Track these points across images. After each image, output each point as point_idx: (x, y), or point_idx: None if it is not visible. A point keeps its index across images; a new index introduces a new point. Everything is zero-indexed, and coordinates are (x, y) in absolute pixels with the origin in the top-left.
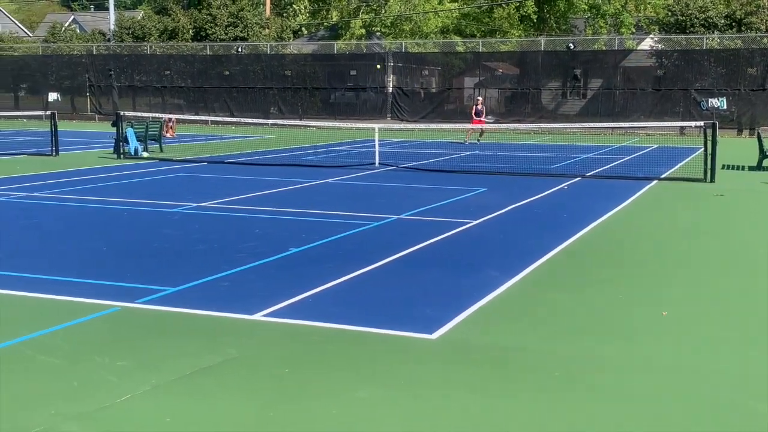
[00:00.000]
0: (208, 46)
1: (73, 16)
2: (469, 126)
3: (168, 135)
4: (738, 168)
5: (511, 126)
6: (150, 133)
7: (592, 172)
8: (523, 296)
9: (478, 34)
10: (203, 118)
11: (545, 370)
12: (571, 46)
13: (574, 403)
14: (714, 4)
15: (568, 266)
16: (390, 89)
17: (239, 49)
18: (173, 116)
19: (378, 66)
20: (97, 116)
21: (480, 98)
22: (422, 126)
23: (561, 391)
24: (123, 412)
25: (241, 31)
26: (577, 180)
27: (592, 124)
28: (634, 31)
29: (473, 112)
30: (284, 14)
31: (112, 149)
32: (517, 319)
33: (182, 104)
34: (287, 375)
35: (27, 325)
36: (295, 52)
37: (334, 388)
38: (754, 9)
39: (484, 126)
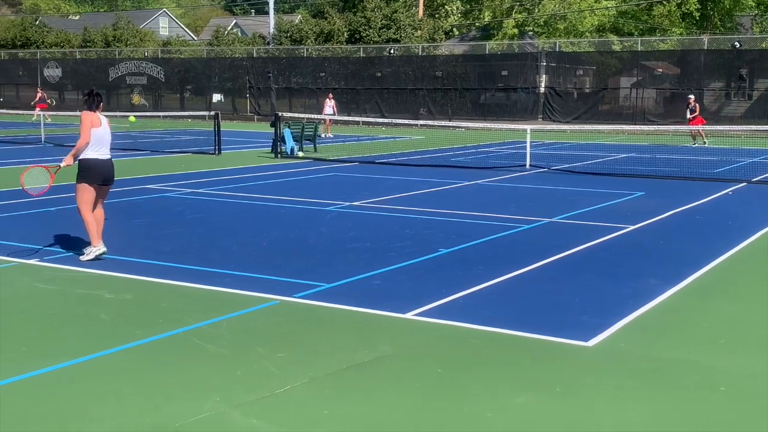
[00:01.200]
0: (361, 48)
1: (235, 21)
2: (688, 128)
3: (328, 134)
4: None
5: (671, 128)
6: (305, 133)
7: (759, 178)
8: (685, 306)
9: (635, 33)
10: (355, 118)
11: (709, 384)
12: (737, 44)
13: (740, 420)
14: None
15: (735, 276)
16: (542, 89)
17: (391, 51)
18: (331, 102)
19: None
20: (255, 117)
21: (692, 97)
22: (575, 127)
23: (727, 407)
24: (283, 402)
25: (394, 33)
26: (742, 185)
27: (758, 127)
28: None
29: (687, 112)
30: (436, 15)
31: (269, 149)
32: (679, 330)
33: (335, 105)
34: (441, 375)
35: (193, 314)
36: (447, 53)
37: (489, 391)
38: None
39: (701, 127)
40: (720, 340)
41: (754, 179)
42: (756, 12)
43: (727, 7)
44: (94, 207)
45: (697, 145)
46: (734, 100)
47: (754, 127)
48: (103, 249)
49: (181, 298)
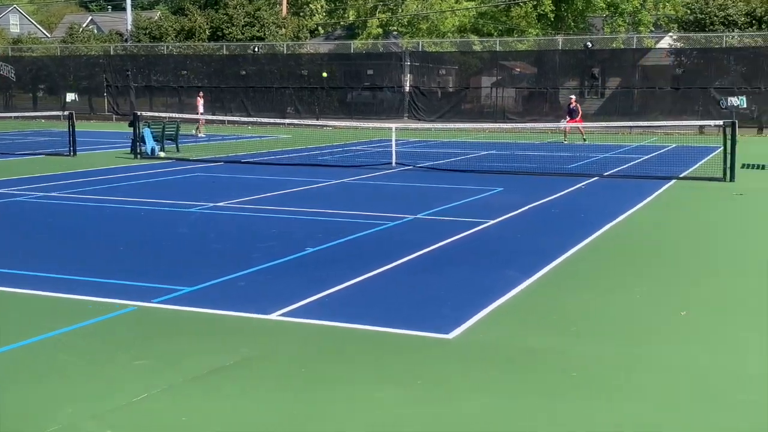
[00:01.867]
0: (224, 46)
1: (90, 17)
2: (565, 125)
3: (200, 134)
4: (758, 167)
5: (528, 125)
6: (167, 133)
7: (611, 172)
8: (541, 296)
9: (495, 33)
10: (220, 117)
11: (562, 371)
12: (589, 44)
13: (592, 403)
14: (734, 2)
15: (586, 266)
16: (407, 88)
17: (256, 49)
18: (201, 102)
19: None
20: (114, 116)
21: (573, 97)
22: (439, 126)
23: (578, 391)
24: (140, 411)
25: (257, 31)
26: (595, 179)
27: (610, 123)
28: (652, 29)
29: (568, 111)
30: (301, 14)
31: (129, 149)
32: (534, 320)
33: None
34: (304, 375)
35: (45, 324)
36: (312, 51)
37: (352, 388)
38: None
39: (571, 125)
40: (572, 328)
41: (606, 173)
42: (606, 13)
43: (580, 8)
44: None
45: (567, 141)
46: (588, 98)
47: (605, 124)
48: None
49: (32, 307)
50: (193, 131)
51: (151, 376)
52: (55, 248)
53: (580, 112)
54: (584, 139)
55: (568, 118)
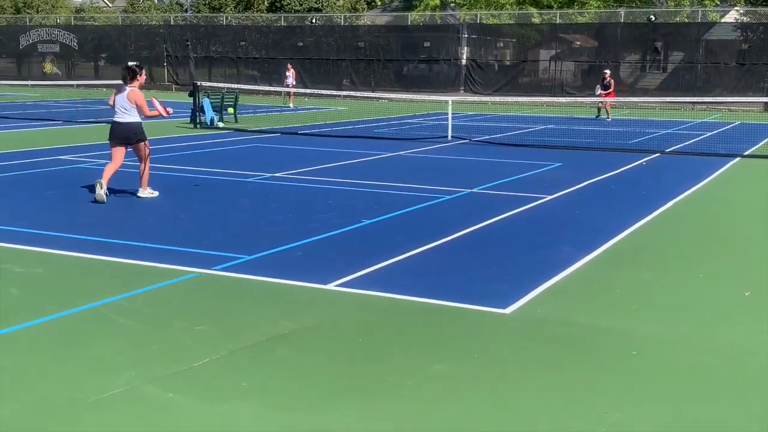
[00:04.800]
0: (282, 17)
1: None
2: (601, 100)
3: (290, 104)
4: None
5: (588, 99)
6: (225, 103)
7: (672, 148)
8: (599, 273)
9: (555, 5)
10: (277, 89)
11: (621, 349)
12: (652, 18)
13: (650, 383)
14: None
15: (647, 244)
16: (463, 61)
17: (313, 20)
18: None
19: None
20: (173, 86)
21: (608, 72)
22: (496, 99)
23: (637, 371)
24: (200, 375)
25: (315, 2)
26: (656, 156)
27: (672, 99)
28: (718, 3)
29: (602, 86)
30: None
31: (188, 119)
32: (593, 297)
33: (256, 75)
34: (361, 345)
35: (109, 288)
36: (369, 23)
37: (409, 359)
38: None
39: (609, 100)
40: (632, 306)
41: (667, 150)
42: None
43: None
44: (140, 164)
45: (601, 117)
46: (649, 73)
47: (668, 99)
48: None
49: (95, 272)
50: (287, 103)
51: (211, 342)
52: (117, 214)
53: (613, 86)
54: (604, 117)
55: (602, 92)
